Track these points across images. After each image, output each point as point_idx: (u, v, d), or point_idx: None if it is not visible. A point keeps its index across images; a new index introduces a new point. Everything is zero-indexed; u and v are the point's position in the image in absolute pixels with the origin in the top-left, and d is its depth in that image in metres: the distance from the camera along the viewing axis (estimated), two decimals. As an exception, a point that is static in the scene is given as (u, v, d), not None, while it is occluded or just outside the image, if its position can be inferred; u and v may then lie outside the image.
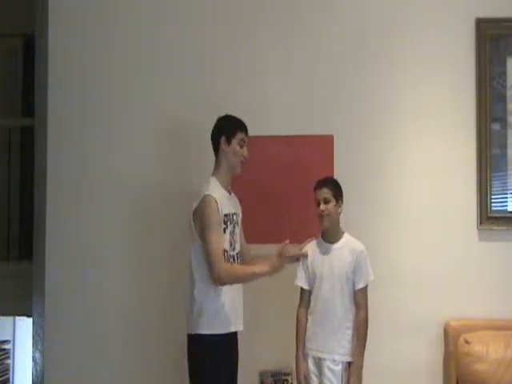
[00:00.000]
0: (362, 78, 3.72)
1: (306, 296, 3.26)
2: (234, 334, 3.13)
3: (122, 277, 3.75)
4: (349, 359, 3.15)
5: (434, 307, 3.59)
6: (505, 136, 3.68)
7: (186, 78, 3.77)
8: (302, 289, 3.27)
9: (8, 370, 4.50)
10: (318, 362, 3.18)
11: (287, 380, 3.59)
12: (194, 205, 3.08)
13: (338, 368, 3.14)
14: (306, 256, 3.25)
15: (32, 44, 3.96)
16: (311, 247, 3.28)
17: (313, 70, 3.76)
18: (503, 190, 3.68)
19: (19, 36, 4.30)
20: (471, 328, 3.46)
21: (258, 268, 3.03)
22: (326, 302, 3.17)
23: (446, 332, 3.55)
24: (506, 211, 3.67)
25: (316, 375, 3.19)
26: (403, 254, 3.65)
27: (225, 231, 3.07)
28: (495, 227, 3.64)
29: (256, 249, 3.40)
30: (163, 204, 3.73)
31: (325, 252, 3.24)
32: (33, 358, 3.74)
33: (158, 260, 3.72)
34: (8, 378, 4.50)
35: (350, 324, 3.17)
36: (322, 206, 3.18)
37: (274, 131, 3.71)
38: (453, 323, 3.52)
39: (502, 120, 3.68)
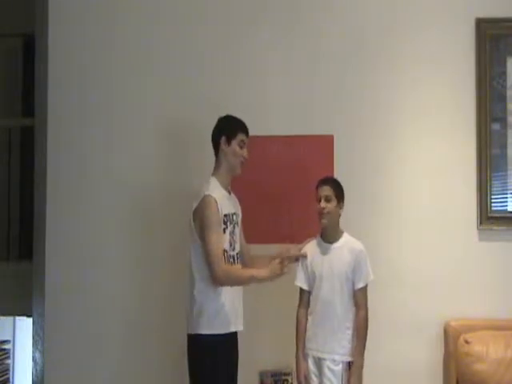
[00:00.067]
0: (362, 77, 3.72)
1: (305, 296, 3.26)
2: (234, 334, 3.13)
3: (122, 277, 3.75)
4: (349, 359, 3.15)
5: (434, 307, 3.59)
6: (505, 136, 3.68)
7: (185, 78, 3.77)
8: (301, 289, 3.27)
9: (8, 370, 4.50)
10: (318, 362, 3.18)
11: (287, 380, 3.59)
12: (194, 205, 3.08)
13: (338, 368, 3.14)
14: (305, 256, 3.25)
15: (32, 44, 3.96)
16: (310, 247, 3.28)
17: (313, 70, 3.76)
18: (503, 189, 3.68)
19: (19, 36, 4.30)
20: (471, 328, 3.46)
21: (257, 272, 3.02)
22: (326, 302, 3.17)
23: (446, 332, 3.55)
24: (506, 211, 3.67)
25: (316, 375, 3.19)
26: (403, 254, 3.65)
27: (224, 231, 3.07)
28: (495, 227, 3.64)
29: (256, 249, 3.40)
30: (163, 204, 3.73)
31: (324, 252, 3.24)
32: (33, 358, 3.74)
33: (157, 260, 3.72)
34: (8, 378, 4.50)
35: (349, 324, 3.17)
36: (323, 204, 3.18)
37: (274, 131, 3.71)
38: (453, 323, 3.52)
39: (502, 120, 3.68)
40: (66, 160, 3.80)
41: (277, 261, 2.98)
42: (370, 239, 3.41)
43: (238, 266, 3.15)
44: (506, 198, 3.68)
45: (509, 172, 3.68)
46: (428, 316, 3.59)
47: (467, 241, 3.65)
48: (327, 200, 3.18)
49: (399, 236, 3.67)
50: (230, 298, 3.07)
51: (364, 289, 3.19)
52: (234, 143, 3.14)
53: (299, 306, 3.27)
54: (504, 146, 3.68)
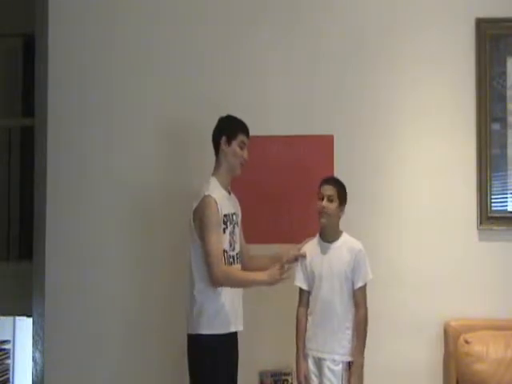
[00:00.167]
0: (362, 77, 3.72)
1: (305, 296, 3.26)
2: (234, 334, 3.13)
3: (122, 277, 3.75)
4: (349, 359, 3.15)
5: (433, 307, 3.59)
6: (505, 136, 3.68)
7: (186, 78, 3.77)
8: (301, 289, 3.27)
9: (8, 370, 4.50)
10: (318, 362, 3.18)
11: (287, 380, 3.59)
12: (194, 205, 3.08)
13: (338, 368, 3.14)
14: (304, 256, 3.25)
15: (32, 44, 3.96)
16: (310, 247, 3.28)
17: (313, 70, 3.76)
18: (503, 189, 3.68)
19: (19, 36, 4.30)
20: (471, 328, 3.46)
21: (257, 276, 3.02)
22: (326, 302, 3.17)
23: (446, 332, 3.55)
24: (506, 211, 3.67)
25: (316, 375, 3.19)
26: (403, 254, 3.65)
27: (224, 231, 3.07)
28: (495, 227, 3.64)
29: (256, 249, 3.40)
30: (163, 204, 3.73)
31: (323, 252, 3.23)
32: (33, 358, 3.74)
33: (157, 260, 3.72)
34: (8, 378, 4.50)
35: (349, 324, 3.17)
36: (325, 203, 3.18)
37: (274, 131, 3.71)
38: (453, 323, 3.52)
39: (502, 120, 3.68)
40: (66, 160, 3.80)
41: (277, 266, 2.97)
42: (369, 239, 3.41)
43: (237, 268, 3.15)
44: (506, 198, 3.68)
45: (509, 172, 3.68)
46: (428, 316, 3.59)
47: (467, 241, 3.65)
48: (329, 200, 3.18)
49: (399, 236, 3.67)
50: (230, 298, 3.07)
51: (363, 288, 3.19)
52: (235, 144, 3.14)
53: (299, 305, 3.27)
54: (504, 146, 3.68)
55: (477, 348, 3.36)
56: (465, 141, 3.68)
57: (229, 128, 3.16)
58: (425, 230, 3.65)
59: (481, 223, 3.65)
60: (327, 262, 3.20)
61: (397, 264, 3.64)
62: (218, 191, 3.09)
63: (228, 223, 3.10)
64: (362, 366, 3.14)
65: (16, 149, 4.30)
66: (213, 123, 3.21)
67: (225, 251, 3.06)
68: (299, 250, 3.28)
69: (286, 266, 2.97)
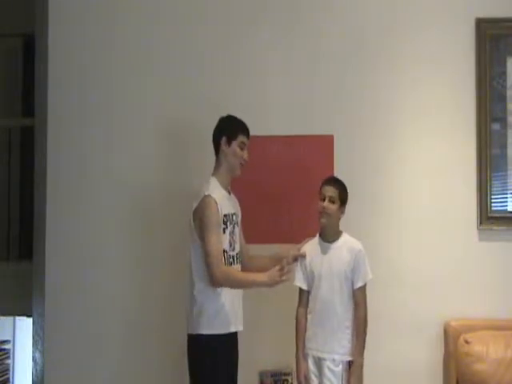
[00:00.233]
0: (362, 77, 3.72)
1: (304, 296, 3.26)
2: (234, 334, 3.13)
3: (122, 277, 3.75)
4: (349, 358, 3.15)
5: (433, 307, 3.59)
6: (505, 136, 3.68)
7: (186, 78, 3.77)
8: (300, 289, 3.27)
9: (8, 370, 4.50)
10: (318, 362, 3.18)
11: (287, 380, 3.59)
12: (194, 205, 3.08)
13: (339, 369, 3.14)
14: (304, 256, 3.25)
15: (32, 44, 3.96)
16: (309, 247, 3.28)
17: (313, 70, 3.76)
18: (503, 190, 3.68)
19: (19, 36, 4.30)
20: (471, 328, 3.46)
21: (257, 277, 3.01)
22: (325, 302, 3.17)
23: (446, 332, 3.55)
24: (506, 211, 3.67)
25: (316, 375, 3.19)
26: (403, 254, 3.65)
27: (224, 231, 3.07)
28: (495, 227, 3.64)
29: (256, 249, 3.40)
30: (163, 204, 3.73)
31: (323, 251, 3.23)
32: (33, 358, 3.74)
33: (157, 260, 3.72)
34: (8, 378, 4.49)
35: (349, 323, 3.17)
36: (326, 203, 3.18)
37: (274, 131, 3.71)
38: (453, 323, 3.52)
39: (502, 120, 3.68)
40: (66, 160, 3.80)
41: (276, 268, 2.96)
42: (369, 239, 3.41)
43: (237, 268, 3.15)
44: (506, 198, 3.68)
45: (509, 172, 3.68)
46: (428, 316, 3.59)
47: (467, 241, 3.65)
48: (331, 201, 3.18)
49: (399, 236, 3.67)
50: (230, 298, 3.07)
51: (363, 288, 3.19)
52: (235, 144, 3.14)
53: (299, 305, 3.27)
54: (504, 146, 3.68)
55: (477, 348, 3.36)
56: (465, 141, 3.68)
57: (229, 128, 3.16)
58: (425, 230, 3.65)
59: (481, 223, 3.64)
60: (327, 262, 3.20)
61: (397, 264, 3.63)
62: (218, 191, 3.09)
63: (228, 223, 3.10)
64: (361, 366, 3.14)
65: (16, 149, 4.30)
66: (213, 123, 3.21)
67: (225, 251, 3.06)
68: (299, 249, 3.28)
69: (286, 268, 2.95)
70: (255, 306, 3.41)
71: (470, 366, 3.36)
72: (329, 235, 3.25)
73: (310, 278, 3.24)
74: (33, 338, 3.74)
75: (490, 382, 3.31)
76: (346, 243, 3.23)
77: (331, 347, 3.15)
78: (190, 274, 3.09)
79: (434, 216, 3.66)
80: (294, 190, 3.68)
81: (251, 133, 3.21)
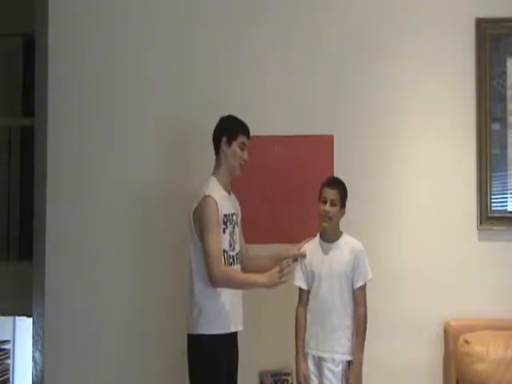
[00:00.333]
0: (362, 77, 3.72)
1: (304, 296, 3.26)
2: (234, 334, 3.13)
3: (121, 277, 3.75)
4: (348, 358, 3.15)
5: (433, 307, 3.59)
6: (505, 136, 3.68)
7: (186, 78, 3.77)
8: (300, 289, 3.27)
9: (8, 370, 4.49)
10: (318, 362, 3.18)
11: (287, 380, 3.59)
12: (194, 205, 3.08)
13: (338, 369, 3.14)
14: (304, 256, 3.25)
15: (32, 44, 3.96)
16: (310, 247, 3.28)
17: (313, 70, 3.76)
18: (503, 189, 3.68)
19: (19, 36, 4.30)
20: (471, 328, 3.46)
21: (256, 278, 3.00)
22: (325, 302, 3.17)
23: (446, 332, 3.55)
24: (506, 211, 3.67)
25: (316, 375, 3.19)
26: (403, 254, 3.65)
27: (224, 231, 3.07)
28: (495, 227, 3.64)
29: (256, 249, 3.40)
30: (163, 204, 3.73)
31: (324, 251, 3.24)
32: (33, 358, 3.74)
33: (158, 260, 3.72)
34: (8, 378, 4.49)
35: (349, 323, 3.17)
36: (328, 207, 3.17)
37: (274, 131, 3.71)
38: (453, 323, 3.52)
39: (502, 120, 3.68)
40: (66, 160, 3.80)
41: (276, 269, 2.94)
42: (369, 239, 3.41)
43: (237, 268, 3.15)
44: (506, 198, 3.68)
45: (509, 172, 3.68)
46: (428, 316, 3.59)
47: (467, 241, 3.65)
48: (332, 204, 3.18)
49: (399, 236, 3.67)
50: (230, 298, 3.07)
51: (363, 287, 3.19)
52: (235, 145, 3.14)
53: (298, 305, 3.27)
54: (504, 146, 3.68)
55: (477, 348, 3.36)
56: (465, 141, 3.68)
57: (229, 128, 3.16)
58: (425, 230, 3.65)
59: (481, 223, 3.65)
60: (328, 262, 3.20)
61: (397, 264, 3.63)
62: (218, 191, 3.09)
63: (228, 223, 3.10)
64: (360, 365, 3.15)
65: (16, 149, 4.30)
66: (213, 123, 3.21)
67: (225, 251, 3.06)
68: (299, 249, 3.28)
69: (286, 270, 2.94)
70: (255, 306, 3.41)
71: (469, 366, 3.36)
72: (329, 235, 3.25)
73: (310, 277, 3.24)
74: (33, 338, 3.74)
75: (490, 382, 3.31)
76: (347, 243, 3.23)
77: (331, 346, 3.15)
78: (190, 274, 3.09)
79: (433, 216, 3.65)
80: (293, 190, 3.68)
81: (251, 133, 3.21)
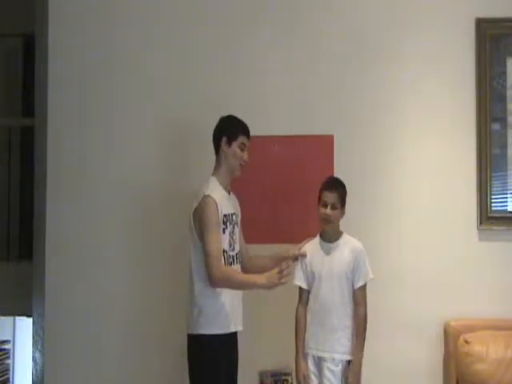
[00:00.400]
0: (362, 77, 3.72)
1: (304, 295, 3.26)
2: (234, 334, 3.13)
3: (121, 277, 3.75)
4: (348, 358, 3.15)
5: (433, 307, 3.59)
6: (505, 136, 3.68)
7: (186, 78, 3.77)
8: (300, 288, 3.27)
9: (8, 370, 4.49)
10: (318, 362, 3.18)
11: (287, 380, 3.59)
12: (194, 205, 3.08)
13: (338, 369, 3.14)
14: (304, 255, 3.25)
15: (32, 44, 3.96)
16: (310, 247, 3.28)
17: (313, 70, 3.76)
18: (503, 189, 3.68)
19: (19, 36, 4.30)
20: (471, 328, 3.46)
21: (256, 279, 2.99)
22: (325, 301, 3.17)
23: (446, 332, 3.55)
24: (506, 211, 3.67)
25: (316, 375, 3.19)
26: (403, 254, 3.65)
27: (224, 231, 3.07)
28: (495, 227, 3.64)
29: (256, 249, 3.40)
30: (163, 204, 3.73)
31: (324, 251, 3.24)
32: (33, 358, 3.74)
33: (158, 260, 3.72)
34: (8, 378, 4.49)
35: (349, 322, 3.17)
36: (329, 211, 3.16)
37: (274, 131, 3.71)
38: (453, 323, 3.52)
39: (502, 120, 3.68)
40: (66, 160, 3.80)
41: (275, 270, 2.94)
42: (369, 239, 3.41)
43: (237, 268, 3.15)
44: (506, 198, 3.68)
45: (509, 172, 3.68)
46: (428, 316, 3.59)
47: (467, 241, 3.65)
48: (333, 207, 3.17)
49: (399, 236, 3.67)
50: (230, 298, 3.07)
51: (363, 287, 3.19)
52: (235, 145, 3.13)
53: (298, 305, 3.27)
54: (504, 146, 3.68)
55: (477, 348, 3.36)
56: (465, 141, 3.68)
57: (230, 129, 3.16)
58: (425, 230, 3.65)
59: (481, 223, 3.64)
60: (328, 262, 3.20)
61: (397, 264, 3.63)
62: (218, 191, 3.09)
63: (228, 223, 3.10)
64: (360, 365, 3.15)
65: (16, 149, 4.30)
66: (213, 123, 3.21)
67: (224, 251, 3.06)
68: (299, 249, 3.28)
69: (286, 271, 2.93)
70: (255, 306, 3.41)
71: (469, 366, 3.36)
72: (330, 235, 3.25)
73: (311, 277, 3.24)
74: (33, 338, 3.74)
75: (490, 382, 3.31)
76: (347, 243, 3.23)
77: (331, 346, 3.15)
78: (190, 274, 3.09)
79: (434, 216, 3.65)
80: (294, 190, 3.68)
81: (251, 133, 3.21)
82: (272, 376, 3.60)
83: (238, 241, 3.19)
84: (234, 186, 3.25)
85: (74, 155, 3.80)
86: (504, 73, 3.69)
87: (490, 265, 3.63)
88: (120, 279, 3.75)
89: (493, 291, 3.61)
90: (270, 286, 2.95)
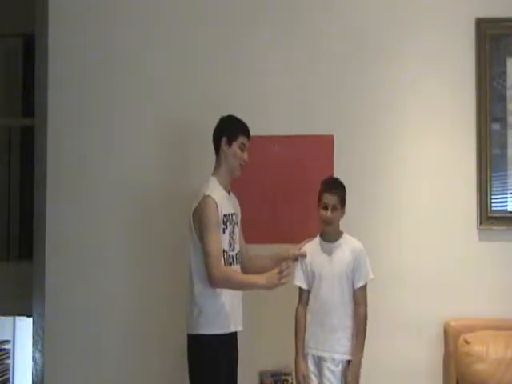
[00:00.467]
0: (362, 77, 3.72)
1: (304, 295, 3.26)
2: (234, 334, 3.13)
3: (121, 277, 3.75)
4: (348, 358, 3.15)
5: (433, 307, 3.59)
6: (505, 136, 3.68)
7: (186, 78, 3.77)
8: (300, 288, 3.27)
9: (8, 370, 4.49)
10: (318, 362, 3.18)
11: (287, 380, 3.59)
12: (194, 205, 3.07)
13: (338, 369, 3.14)
14: (304, 256, 3.25)
15: (32, 44, 3.96)
16: (310, 247, 3.28)
17: (313, 70, 3.76)
18: (503, 190, 3.68)
19: (19, 36, 4.30)
20: (471, 328, 3.46)
21: (256, 279, 2.99)
22: (326, 301, 3.17)
23: (446, 332, 3.55)
24: (506, 211, 3.67)
25: (316, 375, 3.19)
26: (403, 254, 3.65)
27: (224, 232, 3.07)
28: (495, 227, 3.64)
29: (256, 249, 3.40)
30: (163, 204, 3.73)
31: (324, 252, 3.24)
32: (33, 358, 3.74)
33: (158, 260, 3.72)
34: (8, 378, 4.49)
35: (349, 323, 3.17)
36: (330, 214, 3.16)
37: (274, 131, 3.71)
38: (453, 323, 3.52)
39: (502, 120, 3.68)
40: (66, 160, 3.80)
41: (275, 270, 2.94)
42: (369, 239, 3.41)
43: (237, 268, 3.15)
44: (506, 198, 3.68)
45: (509, 172, 3.68)
46: (428, 316, 3.59)
47: (467, 241, 3.65)
48: (334, 209, 3.17)
49: (399, 236, 3.67)
50: (230, 298, 3.07)
51: (364, 287, 3.19)
52: (235, 145, 3.13)
53: (298, 305, 3.27)
54: (504, 146, 3.68)
55: (477, 348, 3.36)
56: (465, 141, 3.68)
57: (230, 129, 3.16)
58: (425, 230, 3.65)
59: (481, 223, 3.64)
60: (328, 262, 3.20)
61: (397, 264, 3.63)
62: (218, 191, 3.09)
63: (228, 223, 3.10)
64: (359, 365, 3.15)
65: (16, 149, 4.30)
66: (213, 123, 3.21)
67: (224, 251, 3.05)
68: (299, 249, 3.28)
69: (285, 271, 2.93)
70: (255, 306, 3.41)
71: (469, 366, 3.35)
72: (330, 235, 3.24)
73: (311, 277, 3.24)
74: (33, 338, 3.74)
75: (490, 382, 3.31)
76: (348, 243, 3.23)
77: (331, 346, 3.15)
78: (190, 275, 3.09)
79: (433, 216, 3.65)
80: (294, 190, 3.68)
81: (251, 133, 3.21)
82: (272, 376, 3.60)
83: (237, 241, 3.19)
84: (233, 186, 3.25)
85: (74, 155, 3.80)
86: (504, 73, 3.69)
87: (490, 265, 3.63)
88: (120, 279, 3.75)
89: (493, 291, 3.61)
90: (269, 287, 2.95)
